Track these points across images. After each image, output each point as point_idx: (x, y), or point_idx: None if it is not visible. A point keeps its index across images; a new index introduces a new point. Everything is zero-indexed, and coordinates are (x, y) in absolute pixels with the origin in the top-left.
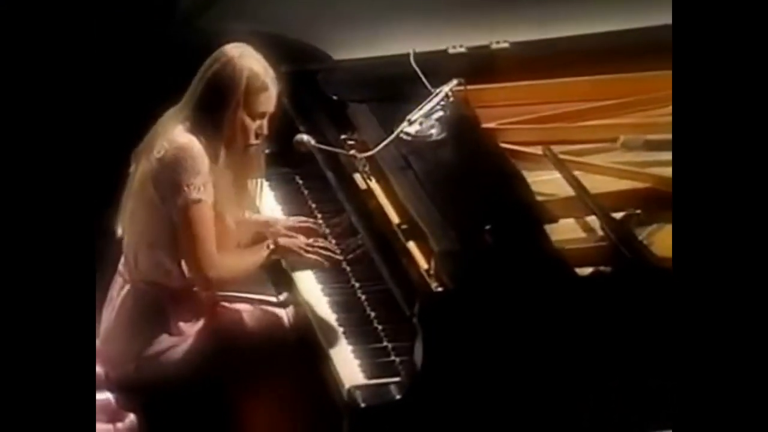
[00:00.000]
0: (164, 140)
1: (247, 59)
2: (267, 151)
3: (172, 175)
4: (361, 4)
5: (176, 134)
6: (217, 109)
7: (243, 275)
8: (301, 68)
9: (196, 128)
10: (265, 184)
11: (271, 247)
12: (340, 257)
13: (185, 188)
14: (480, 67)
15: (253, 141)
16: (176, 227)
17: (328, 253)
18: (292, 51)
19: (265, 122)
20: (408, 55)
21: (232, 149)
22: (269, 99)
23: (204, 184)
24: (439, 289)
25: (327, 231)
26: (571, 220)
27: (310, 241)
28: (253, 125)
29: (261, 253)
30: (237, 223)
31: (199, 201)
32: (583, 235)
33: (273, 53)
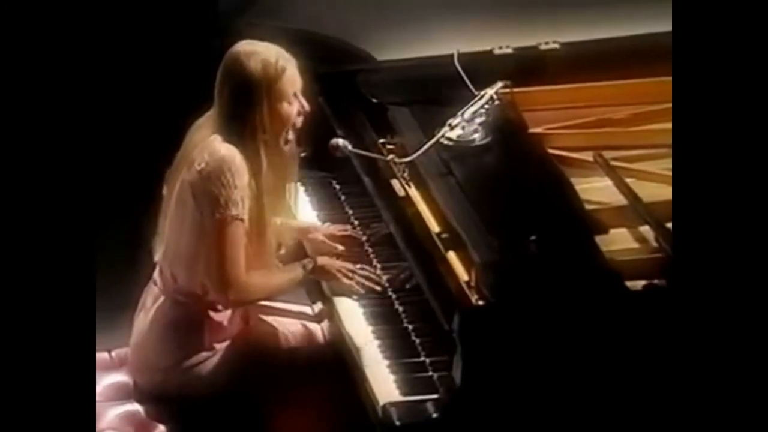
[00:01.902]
0: (205, 152)
1: (253, 53)
2: (303, 154)
3: (211, 189)
4: (404, 3)
5: (216, 145)
6: (245, 112)
7: (276, 295)
8: (340, 69)
9: (231, 136)
10: (301, 189)
11: (309, 267)
12: (382, 286)
13: (222, 203)
14: (527, 68)
15: (297, 122)
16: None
17: (371, 284)
18: (333, 51)
19: (302, 99)
20: (452, 55)
21: (272, 146)
22: (293, 77)
23: (242, 198)
24: (480, 302)
25: (364, 240)
26: (622, 230)
27: (353, 267)
28: (292, 108)
29: (296, 273)
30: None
31: (234, 218)
32: (635, 246)
33: (311, 52)
